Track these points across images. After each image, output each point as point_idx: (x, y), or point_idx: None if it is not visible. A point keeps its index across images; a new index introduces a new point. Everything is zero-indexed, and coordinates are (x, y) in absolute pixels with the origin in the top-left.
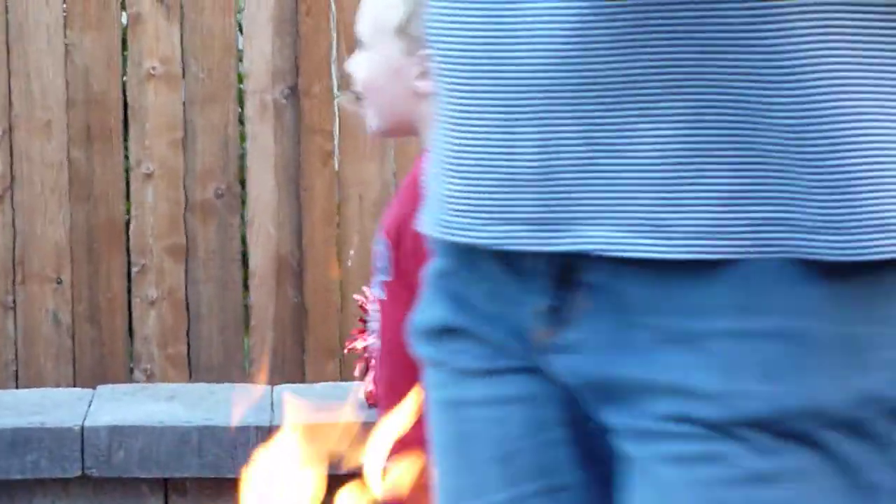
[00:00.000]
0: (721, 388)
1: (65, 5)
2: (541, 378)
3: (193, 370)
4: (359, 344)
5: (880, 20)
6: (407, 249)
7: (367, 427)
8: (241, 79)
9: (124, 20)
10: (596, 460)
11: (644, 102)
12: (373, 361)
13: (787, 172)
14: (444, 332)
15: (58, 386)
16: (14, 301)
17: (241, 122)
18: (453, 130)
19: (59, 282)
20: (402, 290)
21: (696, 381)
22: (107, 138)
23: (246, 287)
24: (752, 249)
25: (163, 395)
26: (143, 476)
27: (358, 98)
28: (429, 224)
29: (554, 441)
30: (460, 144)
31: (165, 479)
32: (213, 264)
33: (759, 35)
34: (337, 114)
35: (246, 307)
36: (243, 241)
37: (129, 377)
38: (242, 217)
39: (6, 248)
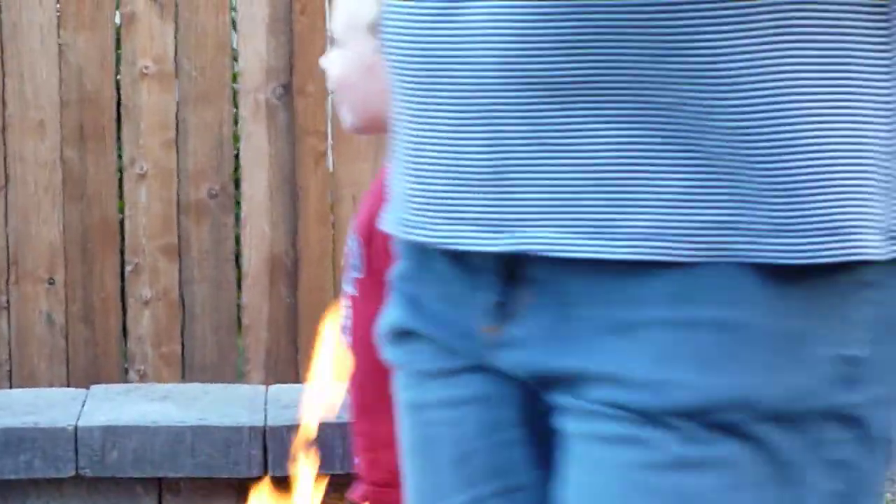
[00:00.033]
0: (653, 376)
1: (58, 5)
2: (494, 378)
3: (187, 370)
4: None
5: (831, 22)
6: (378, 246)
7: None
8: (235, 78)
9: (118, 20)
10: (552, 459)
11: (590, 104)
12: None
13: (736, 175)
14: (403, 335)
15: (51, 386)
16: (7, 301)
17: (236, 121)
18: (408, 130)
19: (52, 282)
20: (374, 287)
21: (629, 370)
22: (100, 138)
23: (240, 287)
24: (697, 253)
25: (156, 395)
26: (136, 476)
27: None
28: (388, 222)
29: (509, 441)
30: (414, 144)
31: (159, 479)
32: (207, 264)
33: (703, 39)
34: (331, 114)
35: (240, 307)
36: (237, 241)
37: (122, 377)
38: (237, 217)
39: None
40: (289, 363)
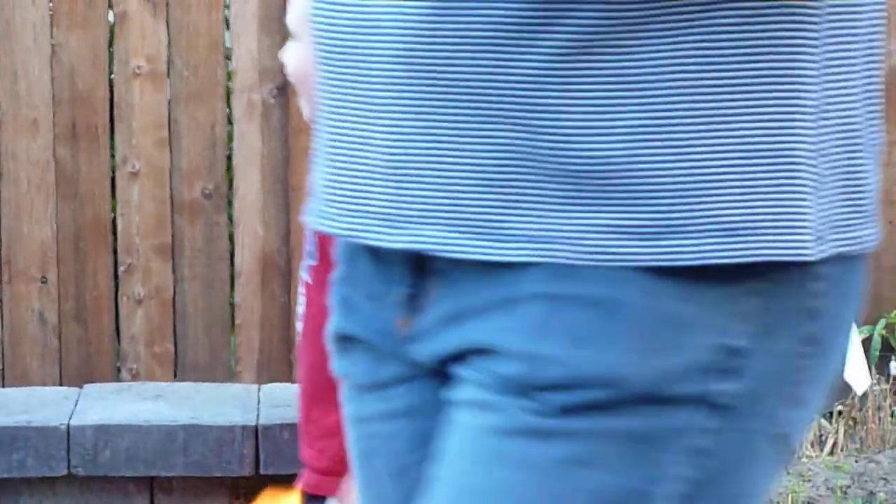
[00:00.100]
0: (525, 348)
1: (51, 4)
2: (422, 388)
3: (180, 369)
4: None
5: (744, 21)
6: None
7: None
8: (229, 77)
9: (111, 18)
10: None
11: (481, 103)
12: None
13: (625, 177)
14: (342, 341)
15: (44, 385)
16: (0, 300)
17: (230, 121)
18: (325, 121)
19: (44, 281)
20: (326, 274)
21: (506, 341)
22: (93, 137)
23: (232, 286)
24: (582, 255)
25: (149, 394)
26: (129, 475)
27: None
28: (308, 213)
29: None
30: (329, 135)
31: (151, 478)
32: (200, 263)
33: (602, 39)
34: None
35: (232, 306)
36: (230, 240)
37: (115, 376)
38: (229, 216)
39: None
40: (281, 362)
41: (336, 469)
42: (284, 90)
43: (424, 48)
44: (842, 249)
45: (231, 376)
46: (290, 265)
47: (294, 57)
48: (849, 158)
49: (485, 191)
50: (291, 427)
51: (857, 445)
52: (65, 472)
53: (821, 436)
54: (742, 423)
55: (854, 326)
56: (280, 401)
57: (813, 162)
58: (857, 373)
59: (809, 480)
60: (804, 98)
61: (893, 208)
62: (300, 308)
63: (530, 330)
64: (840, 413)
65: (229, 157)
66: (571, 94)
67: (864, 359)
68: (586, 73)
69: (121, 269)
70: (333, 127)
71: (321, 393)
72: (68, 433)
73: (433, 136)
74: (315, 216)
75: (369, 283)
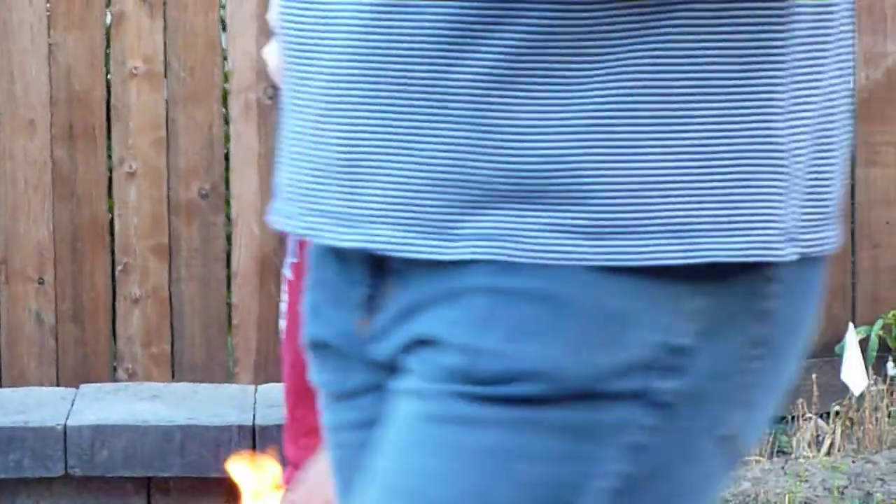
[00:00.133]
0: (465, 340)
1: (48, 4)
2: (389, 397)
3: (177, 369)
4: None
5: (706, 22)
6: None
7: None
8: (225, 78)
9: (108, 19)
10: None
11: (436, 102)
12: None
13: (577, 176)
14: (314, 348)
15: (41, 385)
16: None
17: (226, 121)
18: (289, 118)
19: (41, 281)
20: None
21: (449, 333)
22: (90, 137)
23: (229, 286)
24: (533, 254)
25: (146, 395)
26: (126, 475)
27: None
28: (273, 212)
29: None
30: (291, 132)
31: (148, 479)
32: (197, 263)
33: (560, 38)
34: None
35: (229, 306)
36: (227, 240)
37: (112, 376)
38: (227, 216)
39: None
40: (278, 363)
41: None
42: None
43: (376, 46)
44: (803, 251)
45: (228, 377)
46: None
47: (275, 55)
48: (817, 159)
49: (435, 189)
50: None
51: (854, 446)
52: (62, 472)
53: (818, 436)
54: (683, 421)
55: (851, 327)
56: (277, 401)
57: (783, 162)
58: (855, 373)
59: (806, 481)
60: (773, 99)
61: (891, 209)
62: (283, 305)
63: (472, 322)
64: (837, 413)
65: (226, 158)
66: (523, 94)
67: (862, 359)
68: (538, 72)
69: (118, 269)
70: (294, 124)
71: (305, 391)
72: (65, 433)
73: (385, 134)
74: (277, 215)
75: (335, 287)
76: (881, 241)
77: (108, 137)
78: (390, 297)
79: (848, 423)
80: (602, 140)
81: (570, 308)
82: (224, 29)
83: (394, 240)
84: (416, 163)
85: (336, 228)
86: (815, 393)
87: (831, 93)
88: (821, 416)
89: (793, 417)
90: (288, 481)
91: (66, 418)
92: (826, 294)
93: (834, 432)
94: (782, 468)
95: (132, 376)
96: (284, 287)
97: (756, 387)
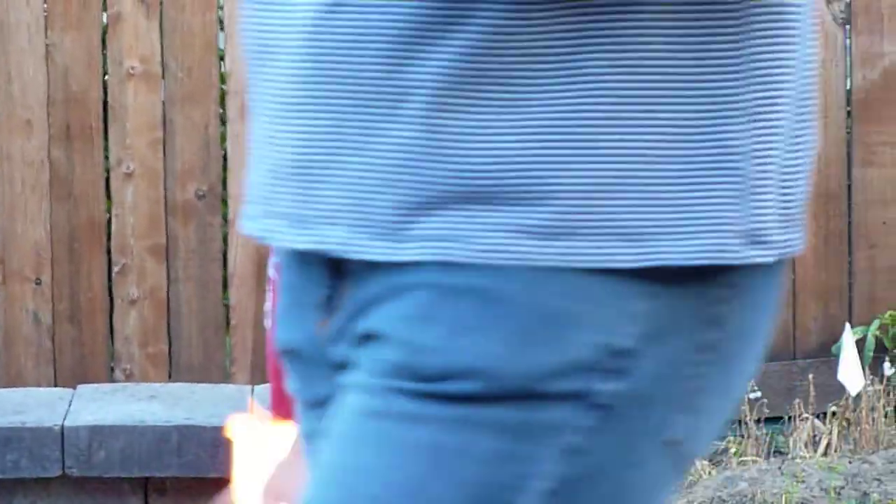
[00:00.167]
0: (407, 335)
1: (45, 5)
2: None
3: (174, 370)
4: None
5: (658, 24)
6: None
7: None
8: (223, 79)
9: (105, 19)
10: None
11: (387, 102)
12: None
13: (528, 176)
14: (285, 355)
15: (38, 386)
16: None
17: (223, 122)
18: (252, 122)
19: (38, 282)
20: None
21: (390, 327)
22: (87, 137)
23: (226, 287)
24: (483, 255)
25: (143, 395)
26: (123, 476)
27: None
28: (240, 215)
29: None
30: (253, 135)
31: (146, 479)
32: (194, 264)
33: (510, 39)
34: None
35: (226, 307)
36: (224, 240)
37: (109, 377)
38: (224, 217)
39: None
40: None
41: None
42: None
43: (327, 46)
44: (767, 255)
45: (225, 377)
46: None
47: None
48: (779, 162)
49: (385, 190)
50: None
51: (851, 446)
52: (59, 472)
53: (814, 436)
54: (624, 424)
55: (848, 327)
56: None
57: (738, 165)
58: (851, 374)
59: (803, 481)
60: (729, 101)
61: (887, 209)
62: (267, 304)
63: (414, 317)
64: (834, 414)
65: (224, 158)
66: (474, 95)
67: (858, 360)
68: (490, 74)
69: (115, 269)
70: (256, 127)
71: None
72: (62, 434)
73: (337, 135)
74: (242, 217)
75: (299, 290)
76: (878, 242)
77: (106, 138)
78: (347, 298)
79: (845, 423)
80: (554, 141)
81: (512, 306)
82: (222, 29)
83: (345, 241)
84: (366, 163)
85: (291, 230)
86: (812, 393)
87: (796, 96)
88: (817, 417)
89: (789, 418)
90: None
91: (64, 419)
92: (823, 294)
93: (831, 433)
94: (779, 468)
95: (129, 377)
96: (269, 287)
97: (703, 392)
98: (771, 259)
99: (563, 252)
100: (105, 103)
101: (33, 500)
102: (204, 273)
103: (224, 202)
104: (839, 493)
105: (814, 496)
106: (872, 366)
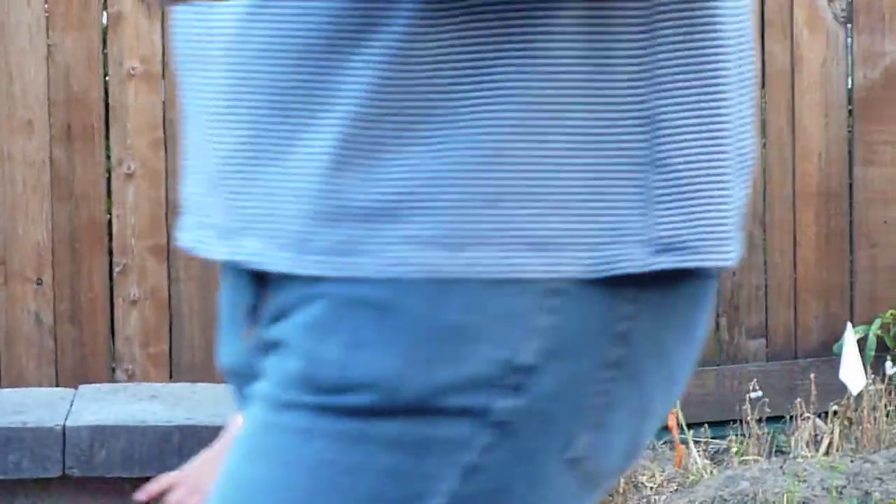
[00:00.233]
0: (306, 346)
1: (46, 5)
2: None
3: (175, 370)
4: None
5: (560, 29)
6: None
7: None
8: None
9: (105, 20)
10: None
11: (303, 110)
12: None
13: (435, 187)
14: (225, 374)
15: (39, 386)
16: None
17: None
18: (185, 130)
19: (40, 282)
20: None
21: (291, 338)
22: (88, 138)
23: None
24: (388, 268)
25: (144, 395)
26: (124, 476)
27: None
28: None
29: None
30: (186, 145)
31: (147, 479)
32: (195, 264)
33: (423, 47)
34: None
35: None
36: None
37: (110, 377)
38: None
39: None
40: None
41: None
42: None
43: (247, 55)
44: (673, 265)
45: None
46: None
47: None
48: (699, 169)
49: (294, 201)
50: None
51: (853, 445)
52: (60, 472)
53: (816, 436)
54: (524, 442)
55: (849, 326)
56: None
57: (642, 175)
58: (853, 373)
59: (805, 480)
60: (631, 109)
61: (889, 208)
62: None
63: (314, 328)
64: (835, 413)
65: None
66: (384, 105)
67: (860, 359)
68: (400, 83)
69: (116, 269)
70: (187, 136)
71: None
72: (64, 434)
73: (255, 145)
74: (178, 229)
75: (232, 306)
76: (879, 241)
77: (107, 138)
78: (265, 308)
79: (846, 422)
80: (461, 151)
81: (410, 320)
82: None
83: (259, 252)
84: (280, 174)
85: (216, 241)
86: (814, 392)
87: (717, 101)
88: (819, 416)
89: (791, 417)
90: None
91: (65, 419)
92: (824, 293)
93: (832, 432)
94: (780, 468)
95: (131, 377)
96: None
97: (611, 409)
98: (680, 265)
99: (469, 263)
100: (106, 103)
101: (34, 501)
102: (205, 273)
103: None
104: (841, 493)
105: (815, 495)
106: (874, 365)
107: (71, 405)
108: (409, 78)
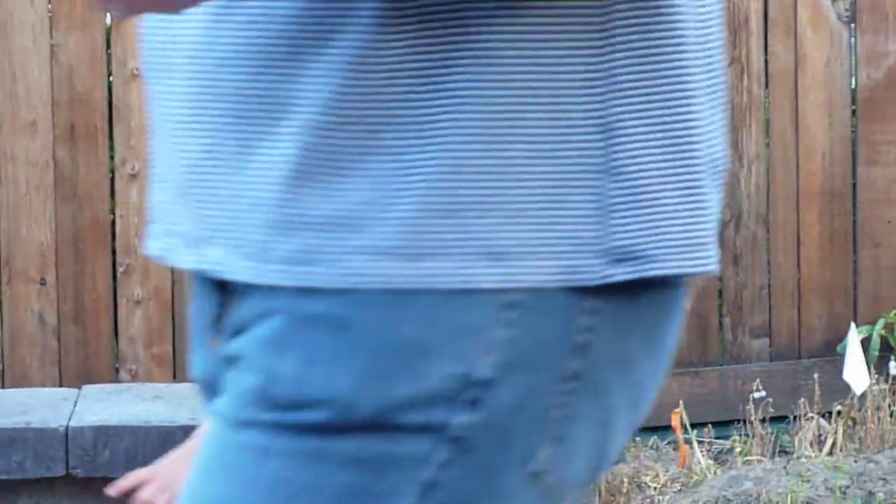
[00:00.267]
0: (263, 363)
1: (50, 5)
2: None
3: (178, 370)
4: None
5: (516, 37)
6: None
7: None
8: None
9: (109, 20)
10: None
11: (265, 119)
12: None
13: (395, 197)
14: (197, 386)
15: (43, 386)
16: None
17: None
18: (151, 138)
19: (43, 282)
20: None
21: (249, 353)
22: (92, 138)
23: None
24: (347, 278)
25: (148, 395)
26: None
27: None
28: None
29: None
30: (153, 153)
31: None
32: None
33: (378, 56)
34: None
35: None
36: None
37: (114, 377)
38: None
39: None
40: None
41: None
42: None
43: (209, 63)
44: (628, 276)
45: None
46: None
47: None
48: (664, 177)
49: (255, 210)
50: None
51: (857, 445)
52: (63, 473)
53: (820, 436)
54: (482, 457)
55: (853, 326)
56: None
57: (597, 183)
58: (857, 373)
59: (808, 480)
60: (586, 117)
61: (892, 208)
62: None
63: (271, 345)
64: (839, 413)
65: None
66: (342, 112)
67: (864, 359)
68: (359, 90)
69: (119, 270)
70: (155, 144)
71: None
72: (67, 434)
73: (218, 153)
74: (146, 237)
75: (199, 315)
76: (882, 241)
77: (110, 138)
78: (228, 318)
79: (850, 422)
80: (419, 159)
81: (366, 335)
82: None
83: (222, 260)
84: (242, 183)
85: (182, 249)
86: (817, 392)
87: (686, 105)
88: (823, 416)
89: (795, 417)
90: None
91: (69, 419)
92: (828, 293)
93: (836, 432)
94: (784, 468)
95: (134, 377)
96: None
97: (571, 421)
98: (637, 276)
99: (426, 273)
100: (110, 103)
101: (38, 501)
102: None
103: None
104: (844, 493)
105: (819, 495)
106: (878, 365)
107: (74, 405)
108: (367, 86)
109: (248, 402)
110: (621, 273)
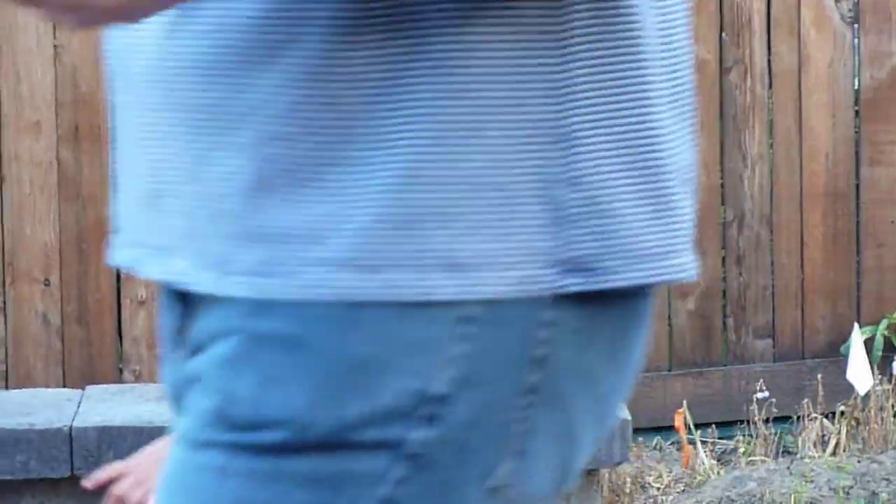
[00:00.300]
0: (220, 383)
1: None
2: None
3: None
4: None
5: (471, 46)
6: None
7: None
8: None
9: None
10: None
11: (220, 130)
12: None
13: (352, 209)
14: (166, 395)
15: (47, 386)
16: (3, 302)
17: None
18: (114, 148)
19: (47, 283)
20: None
21: (207, 373)
22: (95, 138)
23: None
24: (303, 289)
25: (152, 396)
26: None
27: None
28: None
29: None
30: (115, 163)
31: None
32: None
33: (337, 66)
34: None
35: None
36: None
37: (118, 377)
38: None
39: None
40: None
41: None
42: None
43: (167, 73)
44: (583, 288)
45: None
46: None
47: None
48: (626, 186)
49: (215, 220)
50: None
51: (860, 446)
52: (68, 473)
53: (823, 436)
54: (440, 473)
55: (856, 327)
56: None
57: (553, 193)
58: (860, 373)
59: (812, 481)
60: (544, 127)
61: (895, 208)
62: None
63: (228, 365)
64: (842, 413)
65: None
66: (299, 123)
67: (867, 359)
68: (316, 101)
69: (123, 270)
70: (117, 154)
71: None
72: (71, 435)
73: (178, 164)
74: (110, 247)
75: (166, 327)
76: (886, 241)
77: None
78: (190, 333)
79: (853, 422)
80: (378, 169)
81: (321, 354)
82: None
83: (184, 271)
84: (201, 192)
85: (147, 260)
86: (821, 393)
87: (648, 113)
88: (826, 416)
89: (798, 417)
90: None
91: (72, 419)
92: (832, 294)
93: (839, 432)
94: (788, 468)
95: (138, 377)
96: None
97: (531, 435)
98: (592, 287)
99: (383, 285)
100: None
101: (42, 501)
102: None
103: None
104: (848, 493)
105: (822, 496)
106: (881, 365)
107: (78, 406)
108: (325, 96)
109: (207, 423)
110: (575, 284)
